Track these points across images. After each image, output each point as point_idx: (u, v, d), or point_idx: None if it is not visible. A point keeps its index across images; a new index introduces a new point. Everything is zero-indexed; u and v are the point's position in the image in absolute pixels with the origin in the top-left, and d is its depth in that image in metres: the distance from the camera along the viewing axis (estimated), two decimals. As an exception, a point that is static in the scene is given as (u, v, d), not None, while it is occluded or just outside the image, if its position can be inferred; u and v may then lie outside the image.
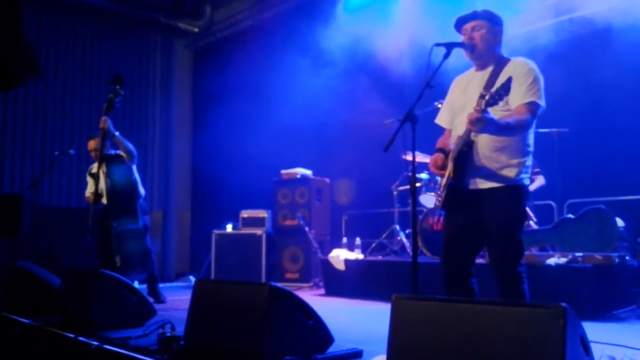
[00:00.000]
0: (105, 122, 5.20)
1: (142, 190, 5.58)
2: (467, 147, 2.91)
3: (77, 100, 9.48)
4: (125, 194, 5.25)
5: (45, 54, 9.11)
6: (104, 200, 5.27)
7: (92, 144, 5.57)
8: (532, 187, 5.11)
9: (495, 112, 2.77)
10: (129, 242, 5.14)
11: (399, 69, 6.73)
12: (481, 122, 2.63)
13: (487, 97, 2.63)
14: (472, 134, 2.86)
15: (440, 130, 3.31)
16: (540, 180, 5.50)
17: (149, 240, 5.54)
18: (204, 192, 10.21)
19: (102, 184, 5.25)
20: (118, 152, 5.43)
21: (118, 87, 5.25)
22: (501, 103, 2.70)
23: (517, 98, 2.84)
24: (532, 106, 2.83)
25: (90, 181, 5.68)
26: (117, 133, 5.30)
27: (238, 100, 9.27)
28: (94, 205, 5.15)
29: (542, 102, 2.87)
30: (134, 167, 5.51)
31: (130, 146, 5.40)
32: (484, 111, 2.63)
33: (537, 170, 5.40)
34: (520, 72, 2.87)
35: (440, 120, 3.29)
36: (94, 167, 5.49)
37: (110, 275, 3.77)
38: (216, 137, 9.33)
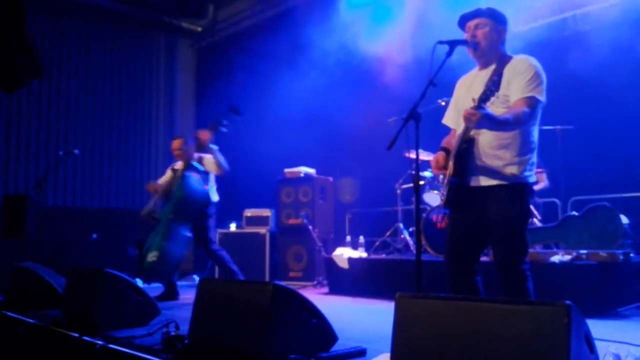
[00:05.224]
0: (206, 135, 5.42)
1: (213, 197, 5.66)
2: (466, 144, 2.90)
3: (81, 100, 9.52)
4: (191, 203, 5.31)
5: (49, 55, 9.14)
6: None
7: (175, 144, 5.72)
8: (535, 188, 5.11)
9: (496, 109, 2.78)
10: (171, 243, 5.17)
11: (402, 66, 6.73)
12: (475, 116, 2.63)
13: (481, 94, 2.63)
14: (472, 131, 2.86)
15: (444, 129, 3.30)
16: (543, 182, 5.50)
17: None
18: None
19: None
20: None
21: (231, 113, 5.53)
22: (493, 98, 2.69)
23: (517, 93, 2.84)
24: (531, 100, 2.81)
25: (168, 174, 5.85)
26: (215, 147, 5.48)
27: (241, 99, 9.25)
28: (158, 200, 5.37)
29: (542, 98, 2.85)
30: (211, 175, 5.69)
31: (223, 161, 5.53)
32: (479, 107, 2.62)
33: (540, 170, 5.38)
34: (521, 68, 2.86)
35: (447, 120, 3.28)
36: (178, 165, 5.72)
37: (115, 274, 3.78)
38: (219, 136, 9.32)
